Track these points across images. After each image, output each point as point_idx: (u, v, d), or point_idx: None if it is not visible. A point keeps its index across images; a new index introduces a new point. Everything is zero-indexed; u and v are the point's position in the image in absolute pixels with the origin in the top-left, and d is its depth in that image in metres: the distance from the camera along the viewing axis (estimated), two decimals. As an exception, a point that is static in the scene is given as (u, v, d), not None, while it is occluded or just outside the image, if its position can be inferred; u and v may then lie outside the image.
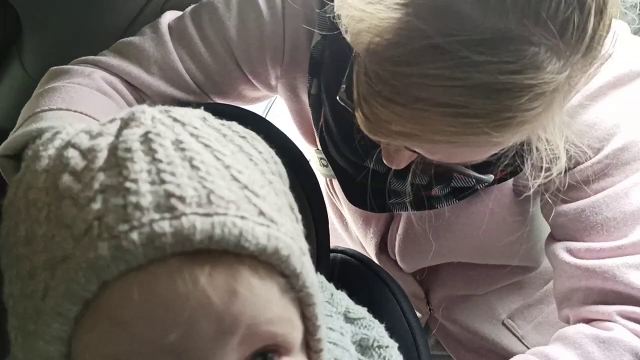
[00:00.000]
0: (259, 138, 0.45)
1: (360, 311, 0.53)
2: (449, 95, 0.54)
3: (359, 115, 0.63)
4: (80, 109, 0.71)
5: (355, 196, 0.87)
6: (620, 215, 0.74)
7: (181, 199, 0.35)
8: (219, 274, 0.35)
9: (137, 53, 0.81)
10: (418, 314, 1.07)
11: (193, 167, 0.37)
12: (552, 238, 0.82)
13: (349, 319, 0.55)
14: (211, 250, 0.35)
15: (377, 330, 0.53)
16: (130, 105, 0.81)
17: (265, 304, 0.37)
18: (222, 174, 0.38)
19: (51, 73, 0.80)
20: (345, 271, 0.79)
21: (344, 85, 0.68)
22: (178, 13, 0.86)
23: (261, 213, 0.37)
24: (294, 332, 0.40)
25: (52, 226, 0.36)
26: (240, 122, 0.81)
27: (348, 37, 0.62)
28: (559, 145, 0.65)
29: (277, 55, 0.84)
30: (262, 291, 0.37)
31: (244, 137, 0.44)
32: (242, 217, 0.36)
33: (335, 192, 1.04)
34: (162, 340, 0.34)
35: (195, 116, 0.42)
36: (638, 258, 0.72)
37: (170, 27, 0.84)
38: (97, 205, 0.35)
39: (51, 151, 0.41)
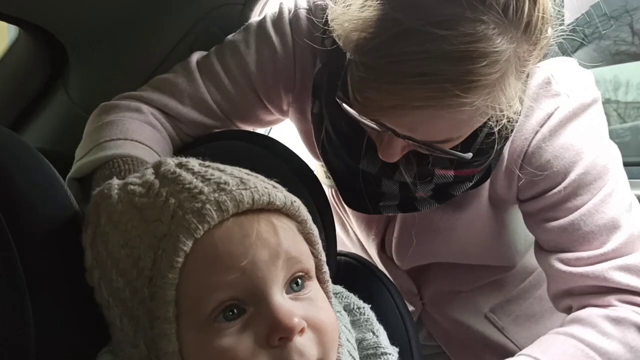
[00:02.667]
0: None
1: (337, 288, 0.71)
2: (422, 66, 0.67)
3: (354, 103, 0.76)
4: (135, 138, 0.85)
5: (352, 200, 1.01)
6: (596, 228, 0.89)
7: (226, 184, 0.55)
8: (263, 221, 0.55)
9: (172, 88, 0.96)
10: (412, 308, 1.22)
11: (221, 170, 0.58)
12: (541, 249, 0.95)
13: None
14: (253, 209, 0.55)
15: (353, 299, 0.72)
16: (168, 132, 0.95)
17: (293, 237, 0.57)
18: (240, 173, 0.58)
19: (103, 108, 0.93)
20: (348, 271, 0.93)
21: (339, 92, 0.82)
22: (204, 53, 1.01)
23: (274, 187, 0.58)
24: (310, 262, 0.59)
25: (142, 227, 0.53)
26: (256, 144, 0.96)
27: (341, 42, 0.78)
28: (516, 105, 0.79)
29: (290, 84, 0.98)
30: (289, 230, 0.57)
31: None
32: (266, 187, 0.56)
33: (339, 201, 1.18)
34: (239, 264, 0.52)
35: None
36: (620, 261, 0.88)
37: (198, 64, 0.98)
38: (172, 201, 0.53)
39: (115, 191, 0.58)
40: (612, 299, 0.89)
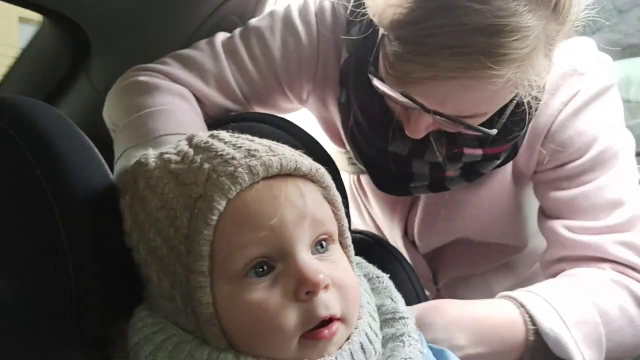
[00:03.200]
0: None
1: (357, 259, 0.73)
2: (457, 38, 0.71)
3: (387, 78, 0.79)
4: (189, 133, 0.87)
5: (384, 183, 1.03)
6: (604, 201, 0.93)
7: (256, 151, 0.59)
8: (291, 185, 0.59)
9: (198, 68, 0.98)
10: (427, 293, 1.23)
11: (250, 140, 0.62)
12: (545, 216, 1.00)
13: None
14: (281, 174, 0.58)
15: (372, 268, 0.74)
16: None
17: (318, 202, 0.61)
18: (268, 142, 0.62)
19: (143, 87, 0.94)
20: (362, 248, 0.95)
21: (371, 67, 0.86)
22: (228, 34, 1.03)
23: (300, 155, 0.62)
24: (334, 226, 0.63)
25: (178, 189, 0.57)
26: (274, 126, 0.99)
27: (376, 19, 0.80)
28: (543, 82, 0.82)
29: (311, 74, 1.01)
30: (314, 194, 0.61)
31: None
32: (293, 155, 0.60)
33: (361, 188, 1.21)
34: (268, 223, 0.56)
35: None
36: (620, 236, 0.92)
37: (223, 45, 1.01)
38: (206, 166, 0.57)
39: (152, 159, 0.62)
40: (606, 266, 0.92)
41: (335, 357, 0.56)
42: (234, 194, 0.56)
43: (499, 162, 0.95)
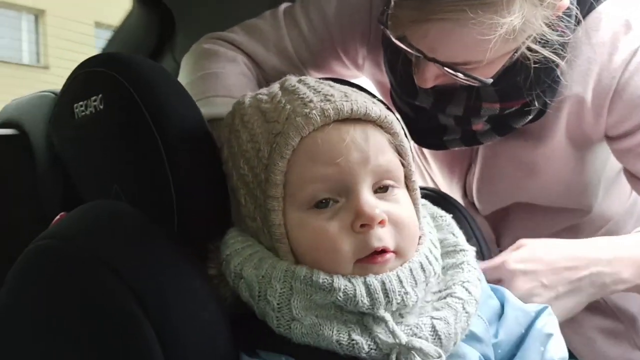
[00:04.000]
0: None
1: (423, 200, 0.78)
2: None
3: (391, 24, 0.86)
4: (236, 95, 0.94)
5: (420, 137, 1.09)
6: None
7: (332, 96, 0.66)
8: (358, 128, 0.66)
9: (260, 34, 1.07)
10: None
11: (330, 86, 0.69)
12: None
13: None
14: (351, 118, 0.65)
15: (436, 209, 0.80)
16: (257, 79, 1.06)
17: (383, 147, 0.67)
18: (346, 89, 0.69)
19: (205, 52, 1.04)
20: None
21: (381, 17, 0.91)
22: (290, 4, 1.10)
23: (373, 102, 0.68)
24: (400, 171, 0.69)
25: (264, 126, 0.66)
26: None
27: None
28: (537, 25, 0.84)
29: (365, 37, 1.08)
30: (380, 139, 0.67)
31: None
32: (365, 102, 0.67)
33: (421, 152, 1.26)
34: (334, 160, 0.63)
35: None
36: None
37: (284, 13, 1.08)
38: (288, 107, 0.66)
39: (248, 98, 0.71)
40: None
41: (396, 272, 0.63)
42: (307, 132, 0.64)
43: (530, 117, 0.98)
